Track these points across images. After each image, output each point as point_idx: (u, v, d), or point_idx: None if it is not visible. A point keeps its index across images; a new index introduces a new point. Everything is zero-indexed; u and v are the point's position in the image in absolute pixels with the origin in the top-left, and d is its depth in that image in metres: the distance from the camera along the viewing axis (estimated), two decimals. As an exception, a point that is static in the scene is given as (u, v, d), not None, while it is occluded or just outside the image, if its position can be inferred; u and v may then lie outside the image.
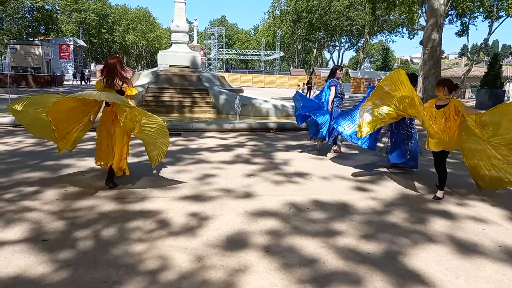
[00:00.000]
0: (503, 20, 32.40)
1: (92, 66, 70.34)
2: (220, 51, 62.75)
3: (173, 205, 4.06)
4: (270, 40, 66.90)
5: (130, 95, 4.61)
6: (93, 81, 41.87)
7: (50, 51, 39.92)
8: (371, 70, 61.98)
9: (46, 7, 54.07)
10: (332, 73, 7.08)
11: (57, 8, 60.19)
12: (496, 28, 67.85)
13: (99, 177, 4.99)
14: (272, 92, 35.70)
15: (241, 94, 14.83)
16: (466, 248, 3.26)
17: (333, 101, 6.87)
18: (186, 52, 15.96)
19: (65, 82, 38.52)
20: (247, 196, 4.47)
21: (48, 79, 32.20)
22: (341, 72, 7.30)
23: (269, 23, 70.24)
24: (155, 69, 15.85)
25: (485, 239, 3.45)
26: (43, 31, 56.62)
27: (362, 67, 58.62)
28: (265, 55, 64.40)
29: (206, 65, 56.78)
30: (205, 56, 55.29)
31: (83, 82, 37.11)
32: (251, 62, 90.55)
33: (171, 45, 16.72)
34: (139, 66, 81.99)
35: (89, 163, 5.80)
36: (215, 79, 15.33)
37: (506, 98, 30.15)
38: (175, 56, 15.64)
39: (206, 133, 9.03)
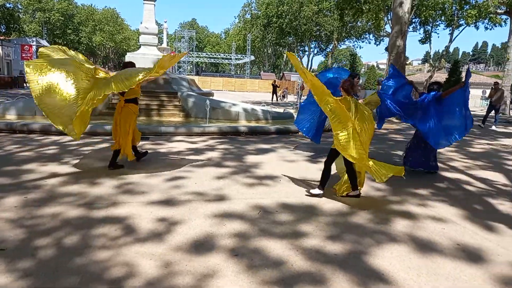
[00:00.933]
0: (463, 29, 34.16)
1: (57, 67, 67.72)
2: (191, 54, 62.25)
3: (141, 210, 3.99)
4: (241, 44, 67.08)
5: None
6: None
7: (11, 52, 38.25)
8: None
9: (8, 5, 51.77)
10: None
11: (19, 7, 57.76)
12: (457, 36, 71.14)
13: (62, 183, 4.83)
14: (242, 95, 35.77)
15: (211, 97, 14.76)
16: (427, 247, 3.39)
17: None
18: (155, 55, 15.72)
19: (27, 84, 37.03)
20: (217, 199, 4.46)
21: (9, 80, 30.83)
22: (359, 80, 6.85)
23: (240, 27, 70.43)
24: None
25: (444, 238, 3.61)
26: (3, 30, 54.15)
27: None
28: (236, 58, 64.51)
29: (176, 68, 56.11)
30: (175, 59, 54.62)
31: None
32: (221, 65, 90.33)
33: (139, 47, 16.43)
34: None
35: (51, 168, 5.60)
36: (184, 82, 15.18)
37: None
38: (143, 58, 15.35)
39: (175, 137, 8.93)
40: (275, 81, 31.15)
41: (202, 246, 3.22)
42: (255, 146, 8.23)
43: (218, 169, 5.96)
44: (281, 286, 2.65)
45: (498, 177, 6.25)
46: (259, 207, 4.22)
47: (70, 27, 67.89)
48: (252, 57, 62.87)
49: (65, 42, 68.52)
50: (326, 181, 4.75)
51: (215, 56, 67.57)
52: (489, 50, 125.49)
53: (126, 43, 75.17)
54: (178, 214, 3.91)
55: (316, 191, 4.70)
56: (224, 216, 3.93)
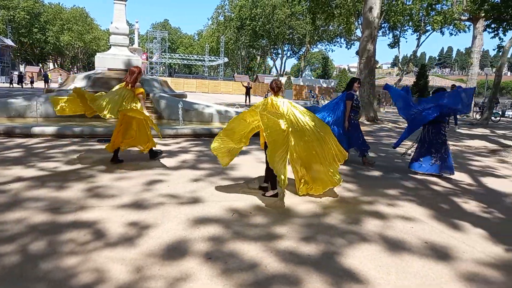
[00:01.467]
0: (430, 34, 35.46)
1: (22, 67, 65.25)
2: (163, 55, 61.43)
3: (111, 214, 3.89)
4: (214, 45, 66.81)
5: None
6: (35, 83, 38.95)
7: (-28, 50, 36.48)
8: (312, 77, 64.17)
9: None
10: (349, 85, 6.98)
11: (-19, 4, 55.27)
12: (424, 41, 73.82)
13: (27, 187, 4.65)
14: (216, 97, 35.60)
15: (184, 99, 14.62)
16: (396, 246, 3.48)
17: (349, 116, 6.87)
18: (126, 55, 15.43)
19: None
20: (191, 202, 4.41)
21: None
22: (359, 85, 7.08)
23: (213, 28, 70.18)
24: (92, 72, 15.11)
25: (413, 237, 3.72)
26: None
27: (304, 74, 60.64)
28: (209, 60, 64.22)
29: (148, 69, 55.21)
30: (147, 60, 53.80)
31: (21, 85, 34.49)
32: (195, 67, 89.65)
33: (110, 47, 16.07)
34: (75, 69, 77.62)
35: (16, 172, 5.37)
36: (156, 83, 14.96)
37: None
38: (114, 59, 15.05)
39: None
40: (248, 83, 31.15)
41: (175, 250, 3.17)
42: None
43: (192, 171, 5.91)
44: (255, 288, 2.65)
45: (463, 177, 6.51)
46: (233, 210, 4.21)
47: (36, 26, 65.47)
48: (226, 59, 62.75)
49: (31, 41, 66.12)
50: (274, 179, 4.68)
51: (188, 57, 66.99)
52: (454, 55, 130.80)
53: (96, 43, 73.26)
54: (150, 218, 3.84)
55: (270, 192, 4.74)
56: (198, 219, 3.89)
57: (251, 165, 6.60)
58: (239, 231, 3.62)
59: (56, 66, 73.52)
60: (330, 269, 2.97)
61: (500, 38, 25.75)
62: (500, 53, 26.96)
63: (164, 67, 67.49)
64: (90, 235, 3.36)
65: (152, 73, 55.59)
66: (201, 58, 65.33)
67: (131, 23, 55.34)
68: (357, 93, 7.09)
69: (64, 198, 4.31)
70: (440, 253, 3.37)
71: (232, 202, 4.48)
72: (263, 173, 5.96)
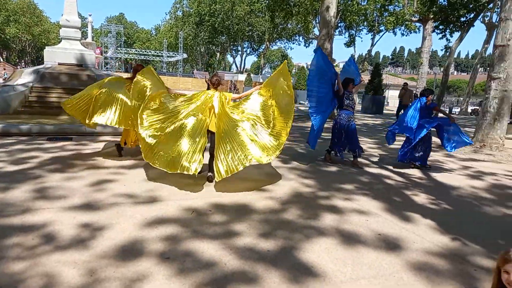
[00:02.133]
0: (383, 34, 36.81)
1: (-39, 61, 60.37)
2: (119, 50, 59.34)
3: (62, 216, 3.70)
4: (173, 41, 65.41)
5: None
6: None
7: None
8: (271, 75, 64.74)
9: None
10: (345, 86, 6.87)
11: None
12: (378, 40, 76.68)
13: (-32, 189, 4.31)
14: (175, 94, 34.92)
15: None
16: (352, 239, 3.59)
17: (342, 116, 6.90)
18: (78, 49, 14.70)
19: None
20: (148, 201, 4.29)
21: None
22: (353, 86, 6.99)
23: (171, 24, 68.65)
24: (41, 66, 14.29)
25: (367, 229, 3.85)
26: None
27: (263, 72, 60.88)
28: (168, 56, 62.80)
29: (103, 64, 53.12)
30: (102, 54, 51.73)
31: None
32: (152, 63, 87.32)
33: (60, 41, 15.26)
34: (23, 63, 73.08)
35: (-45, 173, 4.98)
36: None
37: (386, 103, 34.21)
38: (64, 53, 14.29)
39: (102, 137, 8.45)
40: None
41: (131, 250, 3.07)
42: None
43: (149, 170, 5.74)
44: (213, 287, 2.62)
45: (413, 171, 6.83)
46: (192, 208, 4.15)
47: (-23, 16, 60.88)
48: (185, 55, 61.68)
49: (-29, 33, 61.41)
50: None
51: (145, 52, 65.12)
52: (405, 54, 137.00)
53: (46, 36, 69.24)
54: (104, 219, 3.69)
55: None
56: (155, 218, 3.79)
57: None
58: (197, 230, 3.58)
59: (1, 60, 68.87)
60: (289, 264, 3.01)
61: (447, 39, 27.29)
62: (447, 53, 28.59)
63: (120, 62, 65.23)
64: (38, 239, 3.18)
65: (107, 68, 53.51)
66: (159, 54, 63.73)
67: (83, 16, 52.90)
68: (353, 95, 7.06)
69: (9, 201, 4.04)
70: (392, 244, 3.52)
71: (191, 200, 4.41)
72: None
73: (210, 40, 61.71)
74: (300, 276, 2.83)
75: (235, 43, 63.67)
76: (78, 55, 14.53)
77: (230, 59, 77.82)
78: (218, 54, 71.36)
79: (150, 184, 4.98)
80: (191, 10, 60.64)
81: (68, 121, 10.64)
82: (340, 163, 7.11)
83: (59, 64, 13.99)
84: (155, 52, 64.11)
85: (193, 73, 63.94)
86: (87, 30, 42.74)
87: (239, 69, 67.76)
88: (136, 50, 65.62)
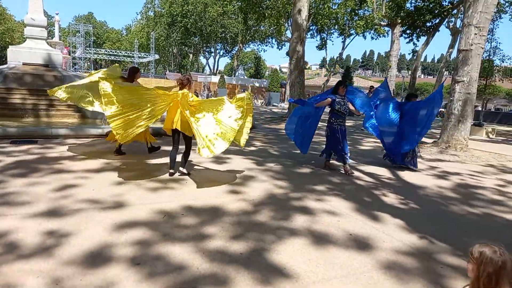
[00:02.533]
0: (353, 38, 37.61)
1: None
2: (88, 50, 57.68)
3: (26, 223, 3.54)
4: (144, 42, 64.22)
5: None
6: None
7: None
8: (245, 77, 64.78)
9: None
10: (335, 89, 6.81)
11: None
12: (348, 44, 78.35)
13: None
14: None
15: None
16: (324, 239, 3.63)
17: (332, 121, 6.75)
18: (43, 49, 14.19)
19: None
20: (117, 206, 4.18)
21: None
22: (344, 88, 6.77)
23: (142, 24, 67.43)
24: (4, 66, 13.70)
25: (339, 230, 3.91)
26: None
27: (237, 73, 60.88)
28: (139, 57, 61.60)
29: (71, 64, 51.49)
30: (70, 54, 50.15)
31: None
32: (123, 63, 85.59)
33: (25, 40, 14.67)
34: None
35: None
36: (79, 80, 13.99)
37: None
38: (29, 53, 13.77)
39: (69, 140, 8.18)
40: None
41: (99, 257, 2.98)
42: (161, 148, 7.94)
43: (119, 173, 5.61)
44: (185, 291, 2.58)
45: (383, 172, 7.00)
46: (163, 212, 4.08)
47: None
48: (157, 56, 60.67)
49: None
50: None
51: (116, 53, 63.63)
52: (375, 58, 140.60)
53: (9, 35, 66.33)
54: (70, 225, 3.56)
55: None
56: (124, 223, 3.70)
57: (183, 165, 6.45)
58: (168, 233, 3.52)
59: (-39, 59, 65.40)
60: (261, 266, 3.00)
61: (414, 43, 28.22)
62: (415, 57, 29.56)
63: (89, 63, 63.46)
64: (0, 247, 3.03)
65: (75, 68, 51.90)
66: (130, 54, 62.40)
67: (50, 14, 51.16)
68: (343, 98, 6.75)
69: (-33, 207, 3.84)
70: (363, 244, 3.58)
71: (162, 204, 4.34)
72: (193, 173, 5.88)
73: (182, 41, 61.06)
74: (272, 278, 2.82)
75: (208, 44, 63.27)
76: (44, 55, 14.04)
77: (203, 60, 77.29)
78: (191, 55, 70.74)
79: (120, 188, 4.85)
80: (163, 11, 59.82)
81: (33, 123, 10.24)
82: (332, 169, 7.02)
83: (24, 64, 13.47)
84: (126, 53, 62.73)
85: (165, 74, 63.07)
86: (53, 29, 41.31)
87: (212, 70, 67.40)
88: (106, 51, 64.02)
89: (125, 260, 2.95)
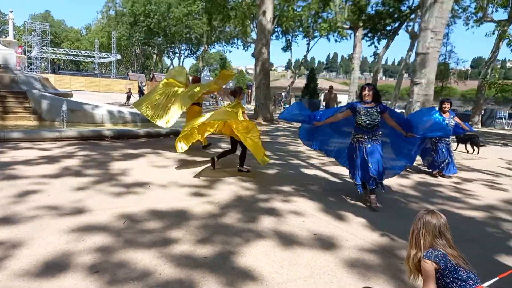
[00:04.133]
0: (318, 40, 38.35)
1: None
2: (44, 49, 55.19)
3: (-27, 233, 3.31)
4: (105, 41, 62.31)
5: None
6: None
7: None
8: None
9: None
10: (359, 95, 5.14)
11: None
12: (313, 46, 79.74)
13: None
14: (109, 97, 33.27)
15: (69, 98, 13.34)
16: (289, 240, 3.65)
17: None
18: (-4, 48, 13.44)
19: None
20: (76, 212, 3.99)
21: None
22: (368, 92, 4.93)
23: (103, 23, 65.44)
24: (-49, 66, 12.84)
25: (304, 230, 3.94)
26: None
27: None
28: (100, 57, 59.65)
29: (26, 65, 49.04)
30: (25, 54, 47.77)
31: None
32: (83, 64, 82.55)
33: (-26, 38, 13.83)
34: None
35: None
36: (35, 81, 13.36)
37: (321, 106, 35.71)
38: (-20, 52, 13.00)
39: (24, 143, 7.74)
40: (141, 82, 29.67)
41: (55, 266, 2.83)
42: (122, 151, 7.72)
43: (78, 178, 5.37)
44: (147, 299, 2.50)
45: (345, 171, 7.13)
46: (125, 217, 3.94)
47: None
48: (119, 56, 59.03)
49: None
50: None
51: (75, 53, 61.28)
52: (339, 60, 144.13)
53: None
54: (24, 233, 3.36)
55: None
56: (83, 230, 3.54)
57: (145, 169, 6.29)
58: (131, 239, 3.40)
59: None
60: (226, 269, 2.96)
61: (375, 46, 29.11)
62: (376, 60, 30.53)
63: (46, 63, 60.71)
64: None
65: (31, 69, 49.50)
66: (91, 54, 60.30)
67: (3, 12, 48.46)
68: (373, 106, 4.96)
69: None
70: (327, 243, 3.63)
71: (123, 208, 4.19)
72: (158, 177, 5.75)
73: (145, 41, 59.85)
74: (238, 281, 2.80)
75: (173, 45, 62.39)
76: (-2, 54, 13.30)
77: (167, 61, 76.09)
78: (154, 55, 69.43)
79: (78, 194, 4.64)
80: (125, 10, 58.32)
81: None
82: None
83: (-27, 63, 12.68)
84: (86, 53, 60.56)
85: (127, 75, 61.42)
86: (7, 27, 39.21)
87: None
88: (65, 50, 61.56)
89: (83, 268, 2.82)
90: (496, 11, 25.82)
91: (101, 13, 65.97)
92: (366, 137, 4.92)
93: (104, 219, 3.84)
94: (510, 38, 24.05)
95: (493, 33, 26.61)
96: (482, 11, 25.03)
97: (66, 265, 2.86)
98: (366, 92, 4.92)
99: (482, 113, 28.35)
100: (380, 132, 5.04)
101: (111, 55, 57.69)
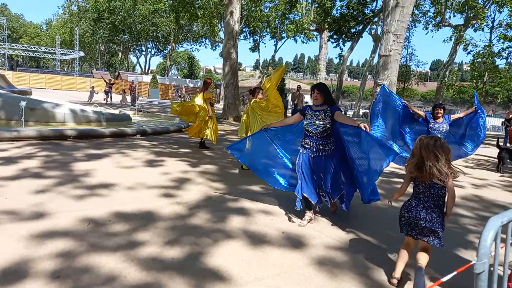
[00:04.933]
0: (285, 41, 38.72)
1: None
2: (1, 45, 52.43)
3: None
4: (67, 38, 59.93)
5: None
6: None
7: None
8: (179, 77, 63.60)
9: None
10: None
11: None
12: (280, 47, 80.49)
13: None
14: (71, 95, 32.05)
15: (28, 96, 12.72)
16: (258, 239, 3.66)
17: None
18: None
19: None
20: (35, 216, 3.81)
21: None
22: (316, 94, 4.19)
23: (65, 19, 62.93)
24: None
25: (272, 229, 3.97)
26: None
27: (170, 73, 59.59)
28: (62, 54, 57.35)
29: (-19, 61, 46.36)
30: (-21, 49, 45.15)
31: None
32: (44, 60, 79.13)
33: None
34: None
35: None
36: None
37: (289, 107, 36.11)
38: None
39: (-21, 144, 7.33)
40: (110, 79, 28.62)
41: (13, 274, 2.69)
42: (85, 151, 7.46)
43: (37, 180, 5.14)
44: (113, 303, 2.43)
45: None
46: (89, 220, 3.81)
47: None
48: (82, 53, 56.97)
49: None
50: None
51: (34, 49, 58.59)
52: (306, 61, 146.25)
53: None
54: (-21, 239, 3.18)
55: None
56: (44, 234, 3.39)
57: (110, 170, 6.12)
58: (95, 243, 3.29)
59: None
60: (195, 271, 2.94)
61: (340, 48, 29.81)
62: (341, 61, 31.24)
63: (3, 59, 57.67)
64: None
65: (-14, 65, 46.88)
66: (52, 51, 57.88)
67: (-46, 3, 45.40)
68: (320, 110, 4.23)
69: None
70: (295, 241, 3.68)
71: (87, 211, 4.05)
72: (124, 178, 5.60)
73: (110, 38, 58.14)
74: (206, 282, 2.78)
75: (139, 42, 60.99)
76: None
77: (133, 59, 74.33)
78: (120, 53, 67.59)
79: (38, 197, 4.44)
80: (88, 6, 56.38)
81: None
82: None
83: None
84: (47, 49, 58.06)
85: (91, 72, 59.45)
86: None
87: (143, 70, 65.09)
88: (24, 46, 58.75)
89: (44, 275, 2.70)
90: (454, 16, 27.21)
91: (62, 8, 63.44)
92: (312, 145, 4.20)
93: (67, 222, 3.70)
94: (466, 42, 25.31)
95: (450, 39, 27.94)
96: (441, 16, 26.22)
97: (25, 272, 2.73)
98: (314, 94, 4.20)
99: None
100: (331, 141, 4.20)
101: (73, 52, 55.60)
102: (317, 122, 4.14)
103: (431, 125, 6.65)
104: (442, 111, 6.69)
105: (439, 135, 5.84)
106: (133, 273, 2.82)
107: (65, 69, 66.14)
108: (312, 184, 4.25)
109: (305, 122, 4.26)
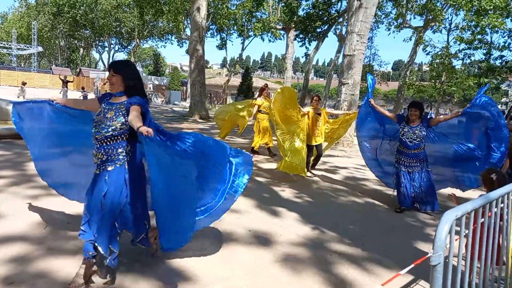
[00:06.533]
0: (252, 39, 38.67)
1: None
2: (-50, 38, 49.10)
3: None
4: (24, 32, 56.99)
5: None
6: None
7: None
8: (144, 74, 62.05)
9: None
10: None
11: None
12: (247, 45, 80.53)
13: None
14: (29, 92, 30.49)
15: (-19, 93, 11.97)
16: (224, 237, 3.64)
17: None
18: None
19: None
20: (-14, 219, 3.60)
21: None
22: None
23: (22, 12, 59.82)
24: None
25: (239, 227, 3.95)
26: None
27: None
28: (18, 49, 54.48)
29: None
30: None
31: None
32: (-2, 55, 74.95)
33: None
34: None
35: None
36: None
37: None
38: None
39: None
40: (65, 76, 27.24)
41: (-40, 281, 2.52)
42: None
43: (-10, 181, 4.85)
44: (71, 309, 2.33)
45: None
46: (46, 222, 3.64)
47: None
48: (40, 49, 54.36)
49: None
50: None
51: (-13, 43, 55.26)
52: (273, 59, 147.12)
53: None
54: None
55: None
56: (-4, 238, 3.20)
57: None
58: (52, 246, 3.14)
59: None
60: (159, 272, 2.87)
61: (306, 47, 30.18)
62: (307, 60, 31.66)
63: (-48, 54, 54.07)
64: None
65: None
66: (7, 46, 54.79)
67: None
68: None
69: None
70: (262, 239, 3.68)
71: (44, 213, 3.87)
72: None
73: (71, 33, 55.86)
74: (170, 283, 2.72)
75: (101, 38, 58.97)
76: None
77: (96, 55, 71.88)
78: (81, 49, 65.12)
79: (-9, 198, 4.19)
80: (47, -1, 53.85)
81: None
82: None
83: None
84: (2, 44, 54.95)
85: (51, 69, 56.89)
86: None
87: (106, 66, 63.00)
88: (-25, 40, 55.27)
89: (-4, 281, 2.55)
90: (414, 18, 28.13)
91: (19, 1, 60.24)
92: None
93: (21, 225, 3.51)
94: (426, 44, 26.36)
95: (410, 39, 28.99)
96: (402, 17, 27.14)
97: (-26, 278, 2.56)
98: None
99: (402, 111, 30.80)
100: None
101: (31, 47, 52.97)
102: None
103: (400, 130, 5.11)
104: (418, 113, 5.02)
105: (409, 143, 4.94)
106: (93, 277, 2.72)
107: (22, 65, 62.89)
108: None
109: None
